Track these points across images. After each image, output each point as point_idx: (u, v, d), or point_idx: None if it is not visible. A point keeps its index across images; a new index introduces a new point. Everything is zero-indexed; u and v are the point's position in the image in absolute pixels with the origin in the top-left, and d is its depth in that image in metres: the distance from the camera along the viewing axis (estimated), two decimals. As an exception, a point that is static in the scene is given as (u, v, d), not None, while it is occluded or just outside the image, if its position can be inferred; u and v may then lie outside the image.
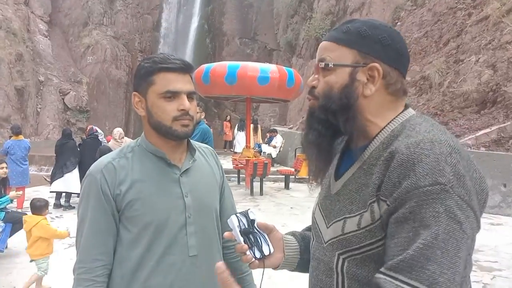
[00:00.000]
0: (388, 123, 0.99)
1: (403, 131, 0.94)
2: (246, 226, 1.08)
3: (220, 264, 1.00)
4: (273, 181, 12.06)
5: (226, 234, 1.10)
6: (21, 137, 8.50)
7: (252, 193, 9.87)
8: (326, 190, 1.10)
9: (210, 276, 1.41)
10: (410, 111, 1.02)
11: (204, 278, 1.39)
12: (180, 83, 1.34)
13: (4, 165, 5.95)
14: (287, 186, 11.12)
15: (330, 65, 1.00)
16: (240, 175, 11.65)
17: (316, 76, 1.05)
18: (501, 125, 8.19)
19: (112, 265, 1.34)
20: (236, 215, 1.09)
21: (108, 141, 9.46)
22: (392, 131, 0.97)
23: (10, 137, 8.97)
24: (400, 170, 0.84)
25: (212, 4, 30.36)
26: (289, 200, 9.41)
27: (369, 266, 0.92)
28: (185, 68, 1.36)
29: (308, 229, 1.28)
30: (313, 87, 1.05)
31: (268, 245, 1.09)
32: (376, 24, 1.01)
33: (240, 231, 1.07)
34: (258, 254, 1.06)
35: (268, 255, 1.09)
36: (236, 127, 16.87)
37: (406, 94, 1.04)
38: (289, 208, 8.36)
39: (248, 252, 1.05)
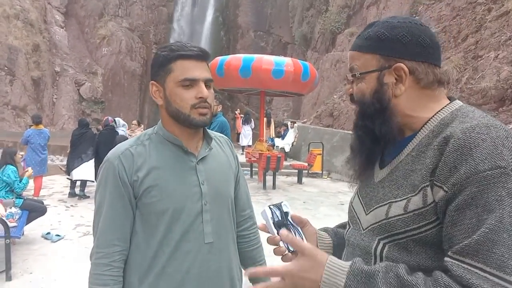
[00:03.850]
0: (436, 113, 1.00)
1: (455, 119, 0.95)
2: (280, 218, 1.07)
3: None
4: (286, 175, 12.05)
5: (260, 226, 1.10)
6: (41, 126, 8.57)
7: (264, 187, 9.87)
8: (367, 180, 1.11)
9: (226, 263, 1.42)
10: (458, 102, 1.02)
11: (219, 265, 1.39)
12: (198, 70, 1.34)
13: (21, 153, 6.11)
14: (300, 181, 11.10)
15: (357, 75, 1.04)
16: (253, 169, 11.66)
17: (351, 84, 1.09)
18: (501, 125, 8.02)
19: (129, 251, 1.35)
20: (270, 207, 1.07)
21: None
22: (442, 120, 0.97)
23: (30, 126, 9.05)
24: (456, 155, 0.85)
25: (227, -4, 30.31)
26: (302, 194, 9.40)
27: (411, 251, 0.92)
28: (202, 56, 1.36)
29: (340, 226, 1.29)
30: (351, 94, 1.09)
31: (302, 239, 1.08)
32: (394, 23, 1.01)
33: (273, 223, 1.05)
34: (292, 247, 1.04)
35: None
36: (241, 120, 16.86)
37: (443, 83, 1.03)
38: (302, 202, 8.35)
39: (281, 244, 1.03)
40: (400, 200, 0.94)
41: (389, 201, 0.97)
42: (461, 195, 0.83)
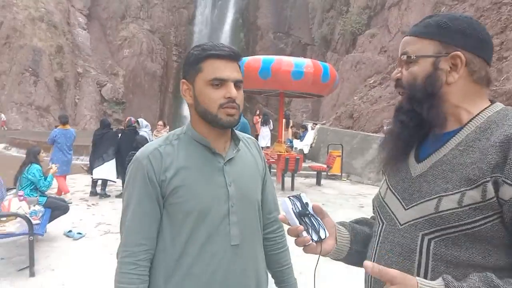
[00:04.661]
0: (482, 110, 1.01)
1: (506, 118, 0.96)
2: (301, 209, 1.06)
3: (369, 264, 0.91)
4: (304, 176, 11.99)
5: (280, 216, 1.09)
6: (67, 126, 8.62)
7: (283, 188, 9.84)
8: (401, 174, 1.10)
9: (251, 266, 1.41)
10: (500, 104, 1.04)
11: (246, 267, 1.38)
12: (228, 70, 1.32)
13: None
14: (318, 183, 11.03)
15: (412, 57, 1.04)
16: (271, 170, 11.63)
17: (400, 69, 1.09)
18: None
19: (155, 251, 1.35)
20: (290, 198, 1.07)
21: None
22: (489, 117, 0.99)
23: (56, 126, 9.12)
24: None
25: (247, -2, 30.38)
26: (321, 196, 9.32)
27: (461, 246, 0.92)
28: (234, 56, 1.35)
29: (356, 221, 1.29)
30: (398, 79, 1.10)
31: (324, 229, 1.08)
32: (456, 16, 1.05)
33: (295, 213, 1.04)
34: (315, 237, 1.04)
35: (324, 239, 1.06)
36: (260, 122, 16.86)
37: (491, 83, 1.06)
38: (321, 204, 8.16)
39: (304, 234, 1.03)
40: (452, 194, 0.94)
41: (438, 194, 0.96)
42: None
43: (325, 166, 11.60)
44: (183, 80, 1.39)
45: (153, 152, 1.35)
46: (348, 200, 8.98)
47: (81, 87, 26.15)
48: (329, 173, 11.81)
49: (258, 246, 1.47)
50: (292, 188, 9.93)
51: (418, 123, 1.03)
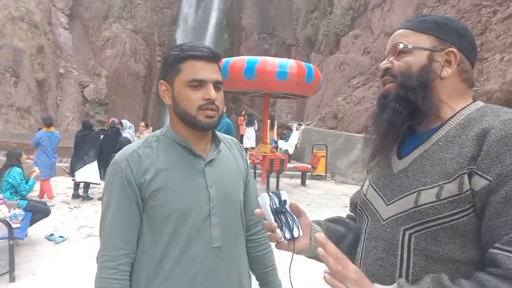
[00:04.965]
0: (463, 108, 1.04)
1: (484, 114, 0.98)
2: (278, 206, 1.07)
3: (322, 237, 0.93)
4: (289, 177, 12.01)
5: (256, 211, 1.09)
6: (52, 128, 8.39)
7: (268, 189, 9.83)
8: (383, 171, 1.12)
9: (234, 268, 1.40)
10: (481, 103, 1.07)
11: (227, 269, 1.37)
12: (207, 72, 1.31)
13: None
14: (303, 183, 11.07)
15: (409, 47, 1.06)
16: (257, 171, 11.64)
17: (391, 59, 1.10)
18: None
19: (136, 254, 1.33)
20: (268, 194, 1.08)
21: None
22: (469, 115, 1.01)
23: (40, 128, 8.88)
24: (499, 145, 0.88)
25: (231, -1, 30.34)
26: (306, 196, 9.36)
27: (440, 241, 0.94)
28: (213, 57, 1.33)
29: (331, 220, 1.30)
30: (387, 69, 1.11)
31: (298, 228, 1.08)
32: (451, 18, 1.10)
33: (271, 209, 1.05)
34: (288, 235, 1.05)
35: (297, 238, 1.07)
36: (245, 122, 16.86)
37: (474, 85, 1.10)
38: (306, 205, 8.30)
39: (277, 231, 1.04)
40: (431, 188, 0.95)
41: (417, 189, 0.98)
42: (506, 186, 0.86)
43: (310, 166, 11.65)
44: (162, 80, 1.38)
45: (132, 154, 1.33)
46: (333, 200, 9.03)
47: (63, 88, 25.76)
48: (313, 174, 11.87)
49: (241, 248, 1.46)
50: (277, 189, 9.93)
51: (410, 112, 1.04)
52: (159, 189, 1.30)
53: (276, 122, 16.89)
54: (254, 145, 15.40)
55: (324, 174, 12.19)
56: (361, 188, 1.22)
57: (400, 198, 1.01)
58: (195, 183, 1.34)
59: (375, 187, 1.13)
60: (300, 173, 11.30)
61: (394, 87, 1.07)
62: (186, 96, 1.31)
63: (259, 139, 13.94)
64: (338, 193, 10.03)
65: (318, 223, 1.25)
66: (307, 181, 11.25)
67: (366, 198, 1.15)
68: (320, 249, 0.90)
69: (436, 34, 1.06)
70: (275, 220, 1.04)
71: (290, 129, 16.07)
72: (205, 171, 1.36)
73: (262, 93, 11.14)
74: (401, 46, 1.08)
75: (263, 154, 10.37)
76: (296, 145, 15.16)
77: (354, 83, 17.36)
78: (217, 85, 1.33)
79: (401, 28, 1.12)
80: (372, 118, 1.13)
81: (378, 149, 1.11)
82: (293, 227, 1.06)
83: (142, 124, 12.13)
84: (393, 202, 1.03)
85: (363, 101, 14.77)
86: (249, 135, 16.08)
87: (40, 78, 23.68)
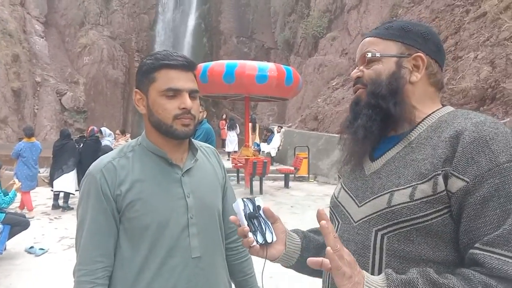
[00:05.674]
0: (434, 111, 1.06)
1: (455, 117, 1.00)
2: (252, 211, 1.07)
3: (323, 211, 0.90)
4: (272, 180, 12.04)
5: (231, 217, 1.09)
6: (33, 139, 8.17)
7: (251, 192, 9.84)
8: (355, 174, 1.13)
9: (213, 278, 1.38)
10: (450, 107, 1.09)
11: (207, 279, 1.36)
12: (182, 81, 1.30)
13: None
14: (286, 185, 11.10)
15: (377, 55, 1.08)
16: (240, 174, 11.62)
17: (361, 67, 1.13)
18: (500, 122, 8.17)
19: (113, 267, 1.31)
20: (243, 199, 1.08)
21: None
22: (440, 118, 1.03)
23: (20, 139, 8.64)
24: (473, 146, 0.89)
25: (209, 3, 30.28)
26: (289, 199, 9.38)
27: (413, 242, 0.94)
28: (188, 66, 1.32)
29: (312, 231, 1.29)
30: (358, 78, 1.13)
31: (272, 233, 1.08)
32: (417, 22, 1.12)
33: (245, 214, 1.05)
34: (260, 239, 1.05)
35: (270, 243, 1.07)
36: (226, 126, 16.84)
37: (443, 87, 1.12)
38: (289, 207, 8.33)
39: (250, 235, 1.04)
40: (404, 188, 0.96)
41: (390, 189, 0.98)
42: (484, 187, 0.87)
43: (292, 168, 11.70)
44: (136, 89, 1.36)
45: (107, 165, 1.31)
46: (316, 201, 9.07)
47: (40, 96, 25.28)
48: (296, 175, 11.92)
49: (220, 256, 1.45)
50: (261, 192, 9.95)
51: (382, 118, 1.05)
52: (135, 200, 1.28)
53: (258, 125, 16.92)
54: (236, 149, 15.40)
55: (307, 176, 12.25)
56: (334, 191, 1.22)
57: (373, 199, 1.02)
58: (172, 193, 1.32)
59: (347, 189, 1.13)
60: (283, 175, 11.34)
61: (365, 93, 1.09)
62: (161, 106, 1.29)
63: (242, 142, 13.94)
64: (321, 193, 10.09)
65: (296, 231, 1.24)
66: (291, 183, 11.29)
67: (338, 200, 1.16)
68: (323, 222, 0.86)
69: (402, 40, 1.08)
70: (248, 225, 1.04)
71: (272, 132, 16.12)
72: (182, 181, 1.35)
73: (243, 97, 11.14)
74: (369, 55, 1.09)
75: (246, 157, 10.37)
76: (278, 147, 15.21)
77: (333, 84, 17.52)
78: (192, 94, 1.32)
79: (369, 36, 1.13)
80: (345, 124, 1.14)
81: (353, 154, 1.12)
82: (265, 232, 1.06)
83: (118, 132, 12.02)
84: (365, 204, 1.04)
85: (343, 102, 14.91)
86: (231, 139, 16.07)
87: (16, 87, 23.20)
